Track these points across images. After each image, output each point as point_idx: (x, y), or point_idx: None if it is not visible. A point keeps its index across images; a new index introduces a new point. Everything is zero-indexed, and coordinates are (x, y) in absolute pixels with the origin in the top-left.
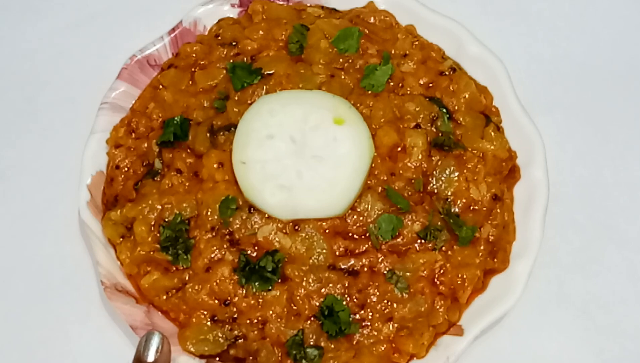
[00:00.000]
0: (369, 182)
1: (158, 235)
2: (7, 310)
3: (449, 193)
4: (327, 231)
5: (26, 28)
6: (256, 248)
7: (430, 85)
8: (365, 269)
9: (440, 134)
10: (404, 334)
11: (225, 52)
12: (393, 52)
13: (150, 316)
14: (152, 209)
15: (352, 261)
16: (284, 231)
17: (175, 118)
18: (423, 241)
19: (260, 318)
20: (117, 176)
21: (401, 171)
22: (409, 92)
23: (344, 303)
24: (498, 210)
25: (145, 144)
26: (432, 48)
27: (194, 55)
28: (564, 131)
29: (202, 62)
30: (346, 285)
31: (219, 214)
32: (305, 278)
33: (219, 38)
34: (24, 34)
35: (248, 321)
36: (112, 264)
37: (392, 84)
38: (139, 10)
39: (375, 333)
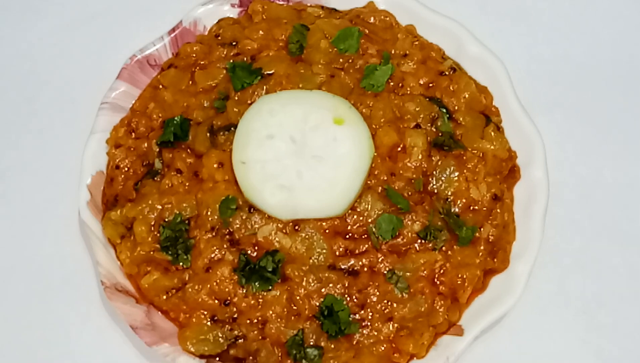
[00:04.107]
0: (369, 182)
1: (158, 235)
2: (7, 310)
3: (449, 193)
4: (327, 231)
5: (26, 28)
6: (256, 248)
7: (430, 85)
8: (365, 269)
9: (440, 134)
10: (404, 334)
11: (225, 52)
12: (393, 52)
13: (150, 316)
14: (152, 209)
15: (352, 261)
16: (284, 231)
17: (175, 118)
18: (423, 241)
19: (260, 318)
20: (117, 176)
21: (401, 171)
22: (409, 92)
23: (344, 303)
24: (498, 210)
25: (145, 144)
26: (432, 48)
27: (194, 55)
28: (564, 131)
29: (202, 62)
30: (346, 285)
31: (219, 214)
32: (305, 278)
33: (219, 38)
34: (24, 34)
35: (248, 321)
36: (112, 264)
37: (392, 84)
38: (139, 10)
39: (375, 333)
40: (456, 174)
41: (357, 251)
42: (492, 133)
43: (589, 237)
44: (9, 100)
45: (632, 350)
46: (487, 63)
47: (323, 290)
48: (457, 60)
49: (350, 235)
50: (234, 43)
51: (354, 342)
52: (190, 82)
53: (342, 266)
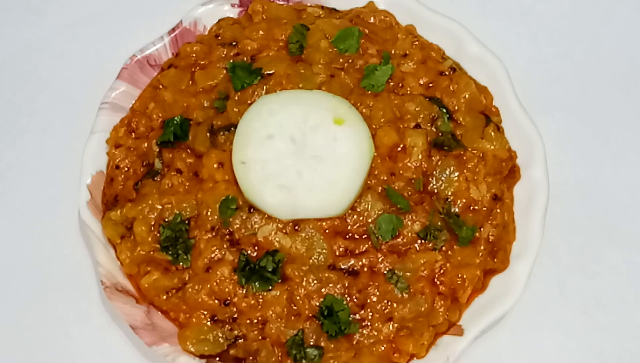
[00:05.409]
0: (369, 182)
1: (158, 235)
2: (7, 310)
3: (449, 193)
4: (327, 231)
5: (26, 28)
6: (256, 248)
7: (430, 85)
8: (365, 269)
9: (440, 134)
10: (404, 334)
11: (225, 52)
12: (393, 52)
13: (150, 316)
14: (152, 209)
15: (352, 261)
16: (284, 231)
17: (175, 118)
18: (423, 241)
19: (260, 318)
20: (117, 176)
21: (401, 171)
22: (409, 92)
23: (344, 303)
24: (498, 210)
25: (145, 144)
26: (432, 48)
27: (194, 55)
28: (564, 131)
29: (202, 62)
30: (346, 285)
31: (219, 214)
32: (305, 278)
33: (219, 38)
34: (24, 34)
35: (248, 321)
36: (112, 264)
37: (392, 84)
38: (139, 10)
39: (375, 333)
40: (456, 174)
41: (357, 251)
42: (492, 133)
43: (589, 237)
44: (9, 100)
45: (632, 350)
46: (487, 63)
47: (323, 290)
48: (457, 60)
49: (350, 235)
50: (234, 43)
51: (354, 342)
52: (190, 82)
53: (342, 266)
